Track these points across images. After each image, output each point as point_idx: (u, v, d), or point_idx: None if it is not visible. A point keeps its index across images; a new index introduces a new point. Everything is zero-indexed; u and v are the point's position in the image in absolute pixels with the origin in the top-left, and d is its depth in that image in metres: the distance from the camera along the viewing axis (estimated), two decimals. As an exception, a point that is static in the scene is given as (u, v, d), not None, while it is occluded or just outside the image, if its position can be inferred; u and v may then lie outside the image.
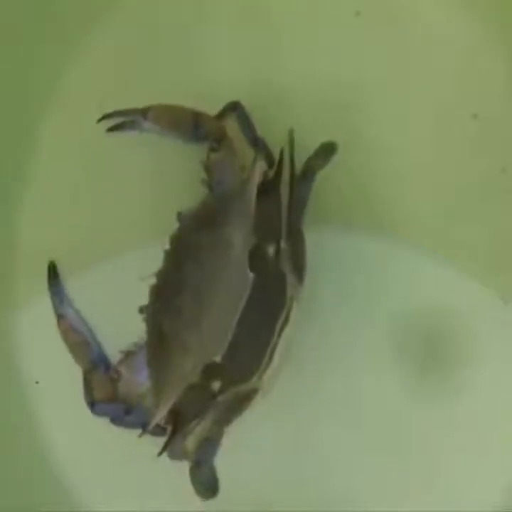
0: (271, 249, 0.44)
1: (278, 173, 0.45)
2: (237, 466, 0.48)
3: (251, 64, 0.50)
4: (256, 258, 0.43)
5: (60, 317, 0.49)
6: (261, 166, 0.44)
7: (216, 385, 0.43)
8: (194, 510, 0.47)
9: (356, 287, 0.49)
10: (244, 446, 0.48)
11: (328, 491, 0.48)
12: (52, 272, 0.50)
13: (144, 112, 0.48)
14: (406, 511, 0.48)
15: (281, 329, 0.44)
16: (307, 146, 0.46)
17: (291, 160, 0.45)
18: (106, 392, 0.47)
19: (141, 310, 0.45)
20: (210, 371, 0.43)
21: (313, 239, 0.46)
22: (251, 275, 0.43)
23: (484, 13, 0.50)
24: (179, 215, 0.46)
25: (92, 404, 0.47)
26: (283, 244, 0.44)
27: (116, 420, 0.47)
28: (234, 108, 0.48)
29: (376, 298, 0.49)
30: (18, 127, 0.51)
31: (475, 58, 0.50)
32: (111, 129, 0.50)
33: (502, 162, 0.50)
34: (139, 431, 0.45)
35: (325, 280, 0.48)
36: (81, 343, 0.49)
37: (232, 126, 0.48)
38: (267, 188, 0.44)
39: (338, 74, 0.50)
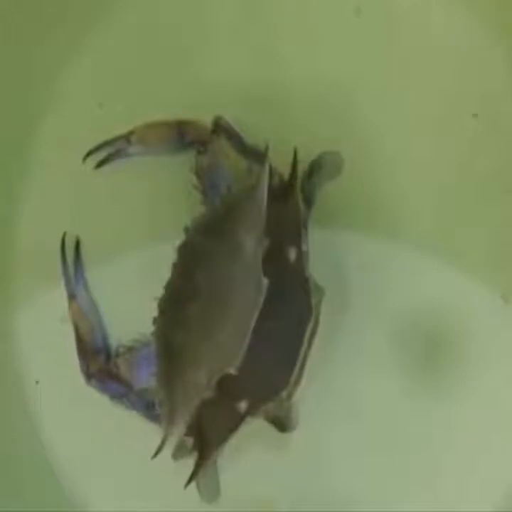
0: (292, 254, 0.43)
1: (293, 176, 0.44)
2: (237, 466, 0.48)
3: (251, 64, 0.50)
4: (272, 262, 0.42)
5: (72, 297, 0.49)
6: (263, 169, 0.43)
7: (243, 406, 0.42)
8: (194, 510, 0.47)
9: (356, 287, 0.49)
10: (244, 447, 0.48)
11: (329, 491, 0.48)
12: (76, 250, 0.50)
13: (127, 137, 0.49)
14: (406, 511, 0.48)
15: (311, 337, 0.43)
16: (307, 145, 0.46)
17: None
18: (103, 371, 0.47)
19: (154, 322, 0.45)
20: (229, 385, 0.42)
21: (314, 239, 0.46)
22: (265, 280, 0.41)
23: (484, 13, 0.50)
24: (187, 229, 0.45)
25: (89, 376, 0.47)
26: (304, 248, 0.43)
27: (114, 398, 0.47)
28: (216, 123, 0.47)
29: (376, 298, 0.49)
30: (19, 127, 0.51)
31: (475, 58, 0.50)
32: (98, 165, 0.50)
33: (502, 162, 0.50)
34: (138, 416, 0.46)
35: (325, 280, 0.48)
36: (88, 329, 0.48)
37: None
38: (283, 192, 0.44)
39: (338, 73, 0.50)
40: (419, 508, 0.48)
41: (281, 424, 0.44)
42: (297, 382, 0.43)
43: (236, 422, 0.43)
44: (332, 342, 0.48)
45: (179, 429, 0.43)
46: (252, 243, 0.42)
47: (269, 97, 0.50)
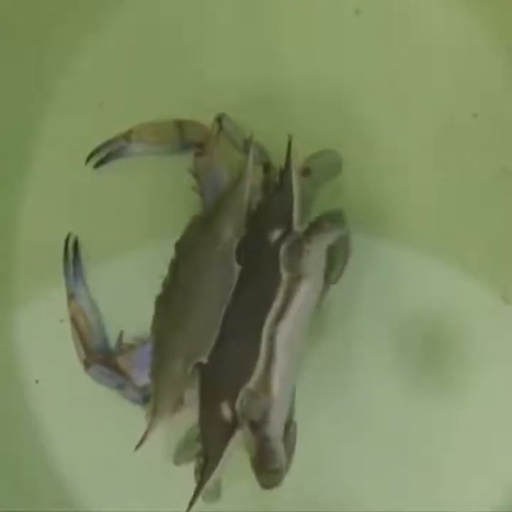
0: (275, 234, 0.42)
1: (288, 162, 0.44)
2: (236, 465, 0.48)
3: (251, 64, 0.50)
4: (250, 243, 0.42)
5: (71, 297, 0.49)
6: (255, 163, 0.44)
7: (226, 411, 0.42)
8: (194, 510, 0.47)
9: (356, 287, 0.49)
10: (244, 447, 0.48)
11: (328, 491, 0.48)
12: (74, 248, 0.50)
13: (126, 136, 0.49)
14: (406, 511, 0.48)
15: (277, 320, 0.41)
16: (307, 145, 0.46)
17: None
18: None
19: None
20: (210, 380, 0.42)
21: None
22: (237, 267, 0.41)
23: (484, 13, 0.50)
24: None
25: (87, 364, 0.47)
26: (296, 228, 0.42)
27: (112, 388, 0.47)
28: (219, 120, 0.47)
29: (376, 298, 0.49)
30: (20, 128, 0.51)
31: (475, 58, 0.50)
32: (97, 165, 0.50)
33: (502, 162, 0.50)
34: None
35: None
36: (87, 328, 0.48)
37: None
38: (279, 180, 0.44)
39: (338, 73, 0.50)
40: (419, 508, 0.48)
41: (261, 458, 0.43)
42: (267, 370, 0.41)
43: (227, 433, 0.42)
44: (331, 342, 0.48)
45: (162, 422, 0.43)
46: (230, 233, 0.42)
47: (269, 97, 0.50)
